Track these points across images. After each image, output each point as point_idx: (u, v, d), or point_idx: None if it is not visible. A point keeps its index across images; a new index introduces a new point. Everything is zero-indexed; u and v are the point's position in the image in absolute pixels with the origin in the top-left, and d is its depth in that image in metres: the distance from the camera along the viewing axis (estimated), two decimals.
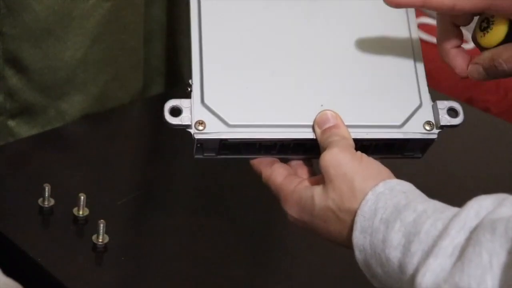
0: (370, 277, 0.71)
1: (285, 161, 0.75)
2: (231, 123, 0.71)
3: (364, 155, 0.71)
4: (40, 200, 0.96)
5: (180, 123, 0.71)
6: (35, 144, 1.11)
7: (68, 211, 0.96)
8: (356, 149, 0.72)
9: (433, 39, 1.92)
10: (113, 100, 1.20)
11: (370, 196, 0.69)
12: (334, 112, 0.74)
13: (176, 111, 0.71)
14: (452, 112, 0.75)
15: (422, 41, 1.52)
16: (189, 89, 0.72)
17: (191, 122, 0.71)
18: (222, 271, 0.92)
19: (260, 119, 0.72)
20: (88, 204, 0.95)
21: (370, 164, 0.71)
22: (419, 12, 1.92)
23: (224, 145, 0.72)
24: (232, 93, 0.72)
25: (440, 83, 1.68)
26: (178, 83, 1.32)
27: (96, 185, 1.02)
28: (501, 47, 0.73)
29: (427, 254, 0.64)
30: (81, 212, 0.95)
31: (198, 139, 0.71)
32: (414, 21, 0.79)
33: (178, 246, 0.95)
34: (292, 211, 0.73)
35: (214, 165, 1.08)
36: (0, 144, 1.12)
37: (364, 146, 0.72)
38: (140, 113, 1.26)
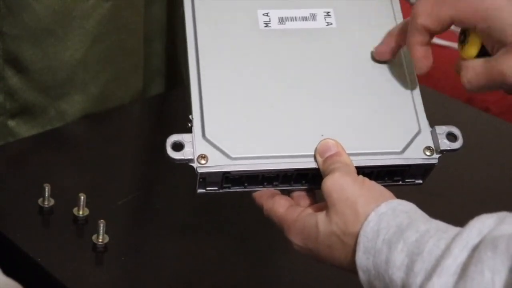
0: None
1: (287, 193, 0.76)
2: (233, 156, 0.72)
3: (366, 178, 0.71)
4: (40, 200, 0.96)
5: (182, 157, 0.72)
6: (35, 144, 1.11)
7: (68, 211, 0.96)
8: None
9: (433, 39, 1.90)
10: (113, 100, 1.20)
11: (372, 217, 0.69)
12: (335, 141, 0.74)
13: (178, 146, 0.72)
14: (451, 137, 0.76)
15: None
16: (189, 124, 0.73)
17: (194, 156, 0.72)
18: (222, 271, 0.92)
19: (261, 150, 0.73)
20: (88, 204, 0.95)
21: (372, 187, 0.71)
22: None
23: (227, 178, 0.73)
24: (232, 126, 0.73)
25: (440, 83, 1.68)
26: (178, 83, 1.32)
27: (96, 185, 1.02)
28: (469, 64, 0.74)
29: (430, 273, 0.64)
30: (81, 212, 0.95)
31: (201, 173, 0.72)
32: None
33: (178, 246, 0.95)
34: (296, 239, 0.74)
35: None
36: (0, 144, 1.12)
37: (366, 174, 0.73)
38: (140, 113, 1.26)
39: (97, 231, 0.92)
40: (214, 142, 0.72)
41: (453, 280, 0.63)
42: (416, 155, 0.75)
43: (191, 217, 1.00)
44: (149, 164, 1.11)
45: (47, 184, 0.96)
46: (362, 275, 0.69)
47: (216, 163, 0.72)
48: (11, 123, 1.14)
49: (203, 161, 0.72)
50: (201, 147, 0.72)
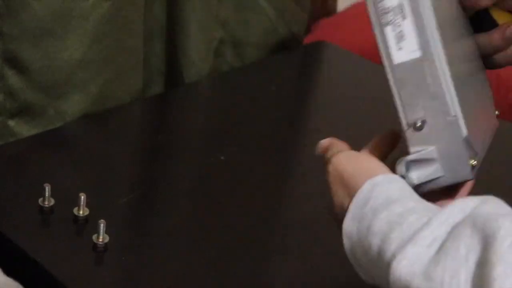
0: (356, 267, 0.73)
1: None
2: None
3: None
4: (40, 200, 0.96)
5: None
6: (35, 144, 1.11)
7: (68, 211, 0.96)
8: None
9: None
10: (113, 100, 1.20)
11: (366, 185, 0.71)
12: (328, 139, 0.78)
13: None
14: None
15: None
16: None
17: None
18: (222, 270, 0.92)
19: None
20: (88, 204, 0.95)
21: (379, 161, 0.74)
22: None
23: None
24: None
25: None
26: (178, 83, 1.32)
27: (96, 185, 1.02)
28: None
29: (406, 242, 0.65)
30: (81, 212, 0.95)
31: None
32: None
33: (179, 246, 0.95)
34: (340, 158, 0.74)
35: (214, 165, 1.08)
36: (0, 144, 1.12)
37: None
38: (140, 113, 1.26)
39: (97, 231, 0.91)
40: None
41: (428, 252, 0.64)
42: None
43: (191, 216, 1.00)
44: (149, 163, 1.11)
45: (47, 184, 0.96)
46: (346, 241, 0.71)
47: None
48: (11, 123, 1.14)
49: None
50: None
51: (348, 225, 0.71)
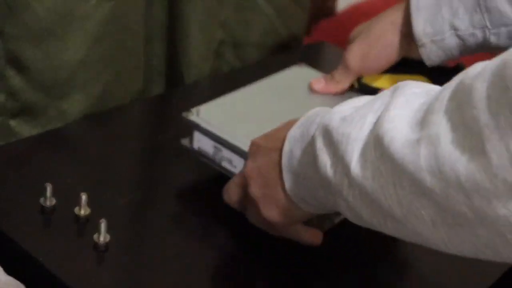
0: (286, 173, 0.81)
1: None
2: None
3: None
4: (41, 200, 0.97)
5: None
6: (36, 144, 1.12)
7: (70, 210, 0.96)
8: None
9: None
10: (114, 100, 1.21)
11: (317, 108, 0.81)
12: None
13: None
14: None
15: None
16: None
17: None
18: (223, 270, 0.92)
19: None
20: (89, 204, 0.96)
21: None
22: None
23: None
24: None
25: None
26: (178, 83, 1.33)
27: (98, 185, 1.03)
28: None
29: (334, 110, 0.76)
30: (82, 212, 0.96)
31: None
32: None
33: (180, 246, 0.95)
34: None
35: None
36: (1, 144, 1.12)
37: None
38: (140, 113, 1.26)
39: (98, 231, 0.92)
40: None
41: (349, 109, 0.74)
42: None
43: (192, 216, 1.01)
44: (150, 163, 1.12)
45: (49, 184, 0.96)
46: (286, 146, 0.80)
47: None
48: (12, 123, 1.14)
49: None
50: None
51: (293, 131, 0.80)
